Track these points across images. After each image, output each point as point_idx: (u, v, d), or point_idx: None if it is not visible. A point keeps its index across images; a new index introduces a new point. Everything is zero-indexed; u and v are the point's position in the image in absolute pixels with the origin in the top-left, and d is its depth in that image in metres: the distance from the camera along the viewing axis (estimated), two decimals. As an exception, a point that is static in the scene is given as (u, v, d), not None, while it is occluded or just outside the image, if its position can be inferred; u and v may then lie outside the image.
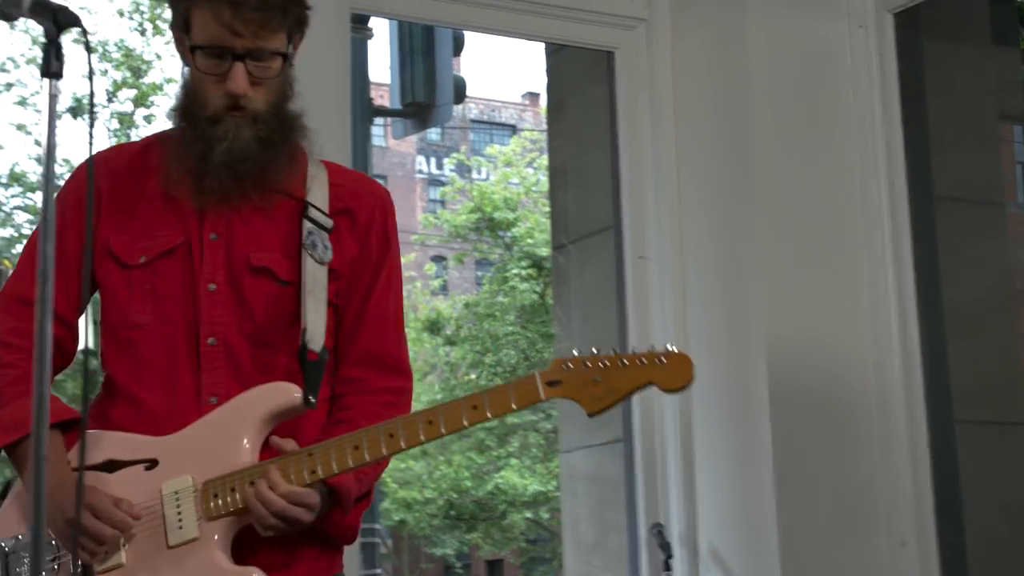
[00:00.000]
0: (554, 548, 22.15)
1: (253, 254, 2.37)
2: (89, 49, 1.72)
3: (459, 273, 28.93)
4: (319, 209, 2.40)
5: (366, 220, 2.44)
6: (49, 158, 1.64)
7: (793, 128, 4.01)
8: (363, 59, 5.65)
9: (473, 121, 31.98)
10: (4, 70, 20.23)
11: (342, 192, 2.44)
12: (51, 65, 1.68)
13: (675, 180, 4.13)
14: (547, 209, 22.46)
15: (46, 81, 1.66)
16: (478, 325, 22.53)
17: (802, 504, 3.81)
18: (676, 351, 2.20)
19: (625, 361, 2.18)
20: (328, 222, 2.39)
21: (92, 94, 1.75)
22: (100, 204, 2.42)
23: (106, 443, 2.33)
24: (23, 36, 19.99)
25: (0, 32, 24.71)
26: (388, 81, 7.47)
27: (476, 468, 21.24)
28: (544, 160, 24.13)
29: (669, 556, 3.87)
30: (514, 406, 2.19)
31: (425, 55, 6.42)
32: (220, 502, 2.24)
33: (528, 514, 21.06)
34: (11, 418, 2.31)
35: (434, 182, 32.71)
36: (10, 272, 2.52)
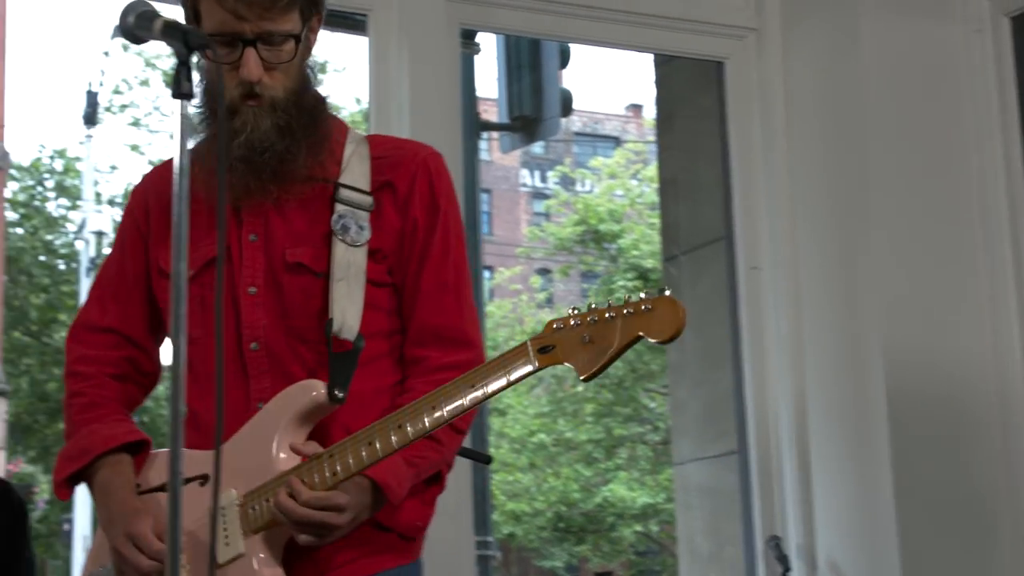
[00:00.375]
0: (664, 561, 22.00)
1: (288, 250, 2.27)
2: (219, 69, 1.71)
3: (564, 286, 28.87)
4: (354, 188, 2.28)
5: (406, 189, 2.30)
6: (181, 178, 1.66)
7: (908, 135, 3.96)
8: (471, 74, 5.68)
9: (576, 134, 31.94)
10: (118, 92, 20.72)
11: (383, 165, 2.31)
12: (182, 86, 1.70)
13: (787, 189, 4.10)
14: (652, 220, 22.43)
15: (177, 102, 1.68)
16: (584, 338, 22.42)
17: (923, 515, 3.74)
18: (662, 295, 1.96)
19: (611, 314, 1.97)
20: (365, 200, 2.27)
21: (222, 115, 1.75)
22: (149, 223, 2.38)
23: (162, 461, 2.27)
24: (136, 59, 20.46)
25: (114, 54, 25.27)
26: (494, 95, 7.51)
27: (584, 481, 21.17)
28: (649, 171, 24.04)
29: (787, 569, 3.83)
30: (511, 380, 2.03)
31: (532, 69, 6.44)
32: (257, 515, 2.15)
33: (637, 527, 20.93)
34: (77, 447, 2.28)
35: (538, 195, 32.71)
36: None
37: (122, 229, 2.43)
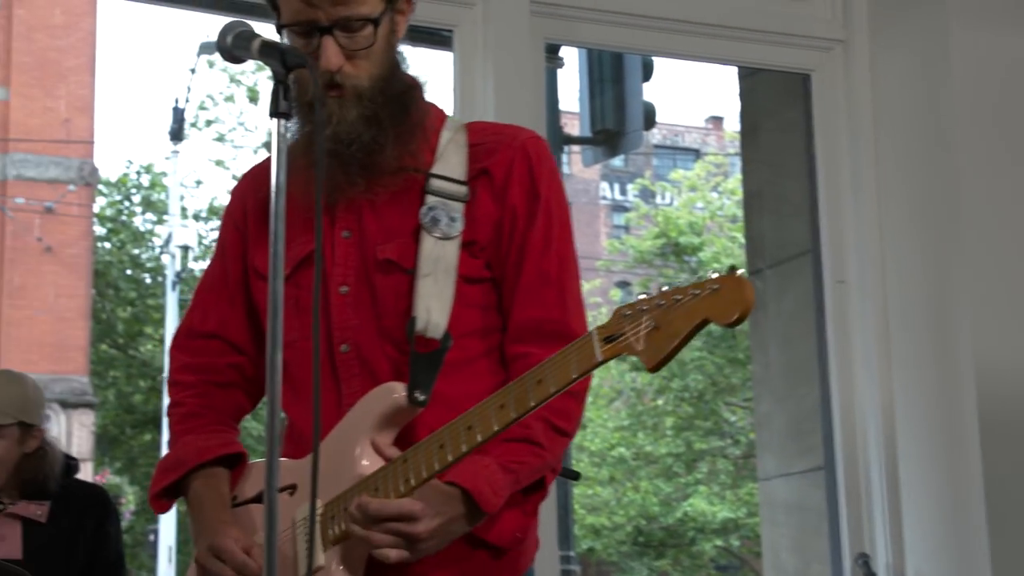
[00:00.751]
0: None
1: (380, 247, 2.16)
2: (318, 88, 1.71)
3: (644, 299, 28.71)
4: (447, 178, 2.15)
5: (503, 176, 2.16)
6: (278, 197, 1.67)
7: (999, 147, 3.90)
8: (553, 88, 5.69)
9: (656, 146, 31.86)
10: (203, 107, 21.03)
11: (479, 152, 2.18)
12: (279, 105, 1.71)
13: (875, 203, 4.05)
14: (734, 233, 22.30)
15: (274, 121, 1.69)
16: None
17: (1016, 533, 3.67)
18: (732, 274, 1.76)
19: (678, 296, 1.77)
20: (459, 190, 2.13)
21: (321, 136, 1.75)
22: (247, 224, 2.29)
23: (259, 472, 2.19)
24: (221, 75, 20.74)
25: (200, 71, 25.63)
26: (575, 109, 7.52)
27: (664, 495, 21.05)
28: (729, 184, 23.91)
29: (875, 587, 3.78)
30: (574, 375, 1.87)
31: (614, 82, 6.44)
32: (336, 526, 2.05)
33: (718, 541, 20.76)
34: (173, 459, 2.22)
35: (618, 208, 32.68)
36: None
37: (223, 232, 2.35)
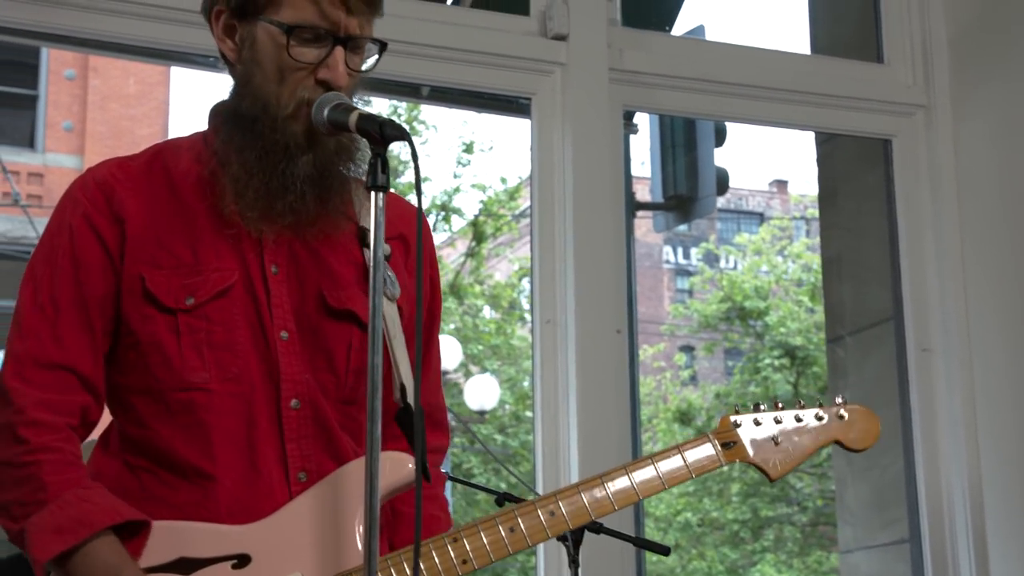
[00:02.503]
0: (814, 647, 21.42)
1: (328, 292, 1.98)
2: (416, 160, 1.68)
3: (709, 363, 28.58)
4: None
5: (414, 246, 2.08)
6: (376, 269, 1.65)
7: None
8: (627, 154, 5.68)
9: (720, 210, 31.77)
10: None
11: (389, 214, 1.93)
12: (378, 178, 1.69)
13: (960, 269, 3.98)
14: (800, 297, 22.13)
15: (372, 194, 1.67)
16: (729, 416, 22.17)
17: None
18: (856, 406, 2.04)
19: (802, 417, 2.01)
20: (385, 249, 1.97)
21: (420, 208, 1.72)
22: (123, 231, 1.96)
23: (175, 536, 1.88)
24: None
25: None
26: (645, 174, 7.49)
27: (730, 562, 20.77)
28: (795, 248, 23.78)
29: (966, 664, 3.68)
30: (694, 476, 2.01)
31: (686, 148, 6.43)
32: None
33: (786, 611, 20.45)
34: (65, 516, 1.83)
35: (681, 272, 32.56)
36: None
37: (75, 243, 1.96)
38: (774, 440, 1.99)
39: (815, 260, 22.85)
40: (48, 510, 1.83)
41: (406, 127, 1.74)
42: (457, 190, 18.51)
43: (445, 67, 3.65)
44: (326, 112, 1.88)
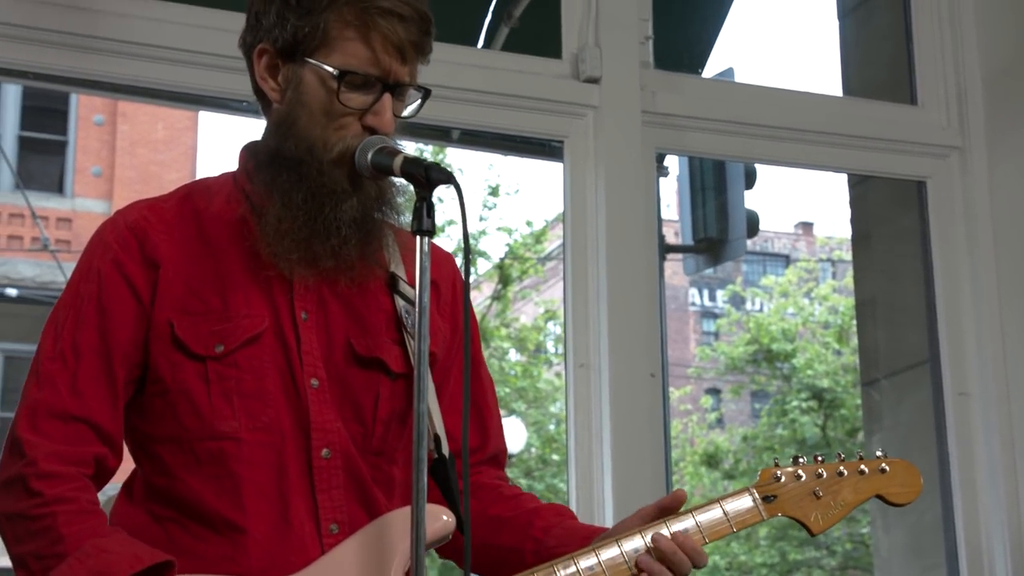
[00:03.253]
0: None
1: (356, 340, 1.94)
2: (463, 205, 1.67)
3: (736, 406, 28.47)
4: (404, 281, 2.00)
5: (449, 292, 2.08)
6: (421, 315, 1.63)
7: None
8: (657, 197, 5.68)
9: (746, 252, 31.76)
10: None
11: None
12: (423, 223, 1.67)
13: (996, 311, 3.94)
14: (827, 339, 22.02)
15: (418, 239, 1.65)
16: (757, 459, 22.07)
17: None
18: (898, 459, 2.04)
19: (844, 470, 2.00)
20: (412, 295, 1.93)
21: (467, 250, 1.69)
22: (156, 277, 1.91)
23: None
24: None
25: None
26: (670, 217, 7.48)
27: (759, 607, 20.62)
28: (821, 290, 23.70)
29: None
30: (735, 530, 1.97)
31: (717, 190, 6.42)
32: None
33: (815, 656, 20.24)
34: (86, 569, 1.77)
35: (707, 314, 32.50)
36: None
37: (103, 289, 1.91)
38: (815, 494, 1.98)
39: (842, 302, 22.78)
40: (68, 564, 1.78)
41: (452, 171, 1.70)
42: (483, 233, 18.53)
43: (477, 110, 3.64)
44: (370, 156, 1.87)
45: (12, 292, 17.05)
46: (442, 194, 1.82)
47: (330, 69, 1.89)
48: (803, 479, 1.99)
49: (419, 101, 1.98)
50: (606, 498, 3.45)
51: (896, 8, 4.30)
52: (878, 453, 2.03)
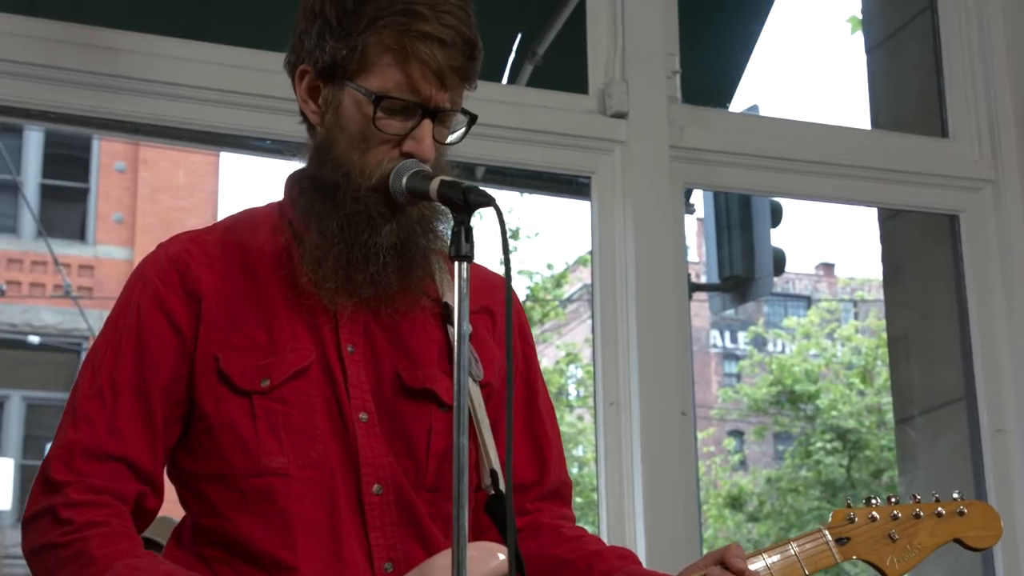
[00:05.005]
0: None
1: (405, 372, 1.89)
2: (504, 228, 1.60)
3: (759, 448, 28.32)
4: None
5: (503, 318, 2.00)
6: (461, 344, 1.57)
7: None
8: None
9: (768, 294, 31.73)
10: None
11: (472, 286, 1.81)
12: (461, 248, 1.62)
13: (1034, 346, 3.87)
14: (851, 380, 21.91)
15: (456, 264, 1.60)
16: (781, 500, 21.93)
17: None
18: (975, 501, 2.01)
19: (920, 512, 1.95)
20: (467, 327, 1.81)
21: (508, 272, 1.63)
22: (199, 310, 1.86)
23: None
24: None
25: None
26: (693, 258, 7.43)
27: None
28: (844, 331, 23.61)
29: None
30: (807, 572, 1.90)
31: (742, 228, 6.37)
32: None
33: None
34: None
35: (728, 356, 32.43)
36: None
37: (138, 323, 1.86)
38: (891, 536, 1.93)
39: (865, 343, 22.69)
40: None
41: (492, 193, 1.65)
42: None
43: (503, 146, 3.60)
44: (405, 180, 1.81)
45: (34, 339, 17.07)
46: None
47: (367, 93, 1.84)
48: (878, 520, 1.94)
49: (464, 127, 1.93)
50: (639, 538, 3.38)
51: (925, 41, 4.26)
52: (955, 495, 1.99)
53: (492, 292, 2.01)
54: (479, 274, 2.01)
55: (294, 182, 1.97)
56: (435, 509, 1.88)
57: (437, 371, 1.91)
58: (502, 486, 1.81)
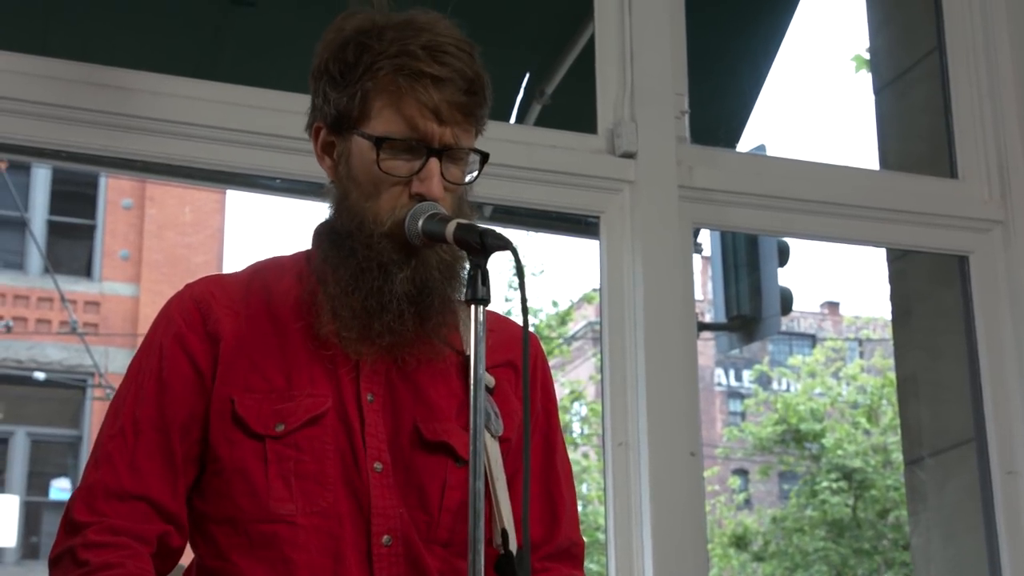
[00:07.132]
0: None
1: (423, 424, 1.87)
2: (521, 273, 1.58)
3: (764, 487, 28.22)
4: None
5: (529, 374, 1.90)
6: (477, 388, 1.56)
7: None
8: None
9: (775, 333, 31.70)
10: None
11: (495, 339, 1.87)
12: (477, 291, 1.61)
13: (1044, 388, 3.85)
14: (857, 419, 21.84)
15: (472, 308, 1.59)
16: (786, 540, 21.84)
17: None
18: None
19: None
20: (489, 380, 1.88)
21: (525, 316, 1.62)
22: (217, 351, 1.87)
23: None
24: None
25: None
26: (698, 297, 7.42)
27: None
28: (849, 369, 23.55)
29: None
30: None
31: (749, 268, 6.37)
32: None
33: None
34: None
35: (733, 394, 32.38)
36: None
37: (160, 362, 1.88)
38: None
39: (870, 382, 22.63)
40: None
41: (509, 237, 1.65)
42: (508, 314, 18.53)
43: (511, 186, 3.59)
44: (420, 223, 1.80)
45: (40, 375, 17.06)
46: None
47: (369, 137, 1.85)
48: None
49: (479, 167, 1.93)
50: (648, 580, 3.36)
51: (934, 82, 4.26)
52: None
53: (518, 345, 1.97)
54: (504, 326, 2.04)
55: (318, 233, 1.98)
56: (445, 565, 1.87)
57: (455, 425, 1.89)
58: (512, 547, 1.80)
